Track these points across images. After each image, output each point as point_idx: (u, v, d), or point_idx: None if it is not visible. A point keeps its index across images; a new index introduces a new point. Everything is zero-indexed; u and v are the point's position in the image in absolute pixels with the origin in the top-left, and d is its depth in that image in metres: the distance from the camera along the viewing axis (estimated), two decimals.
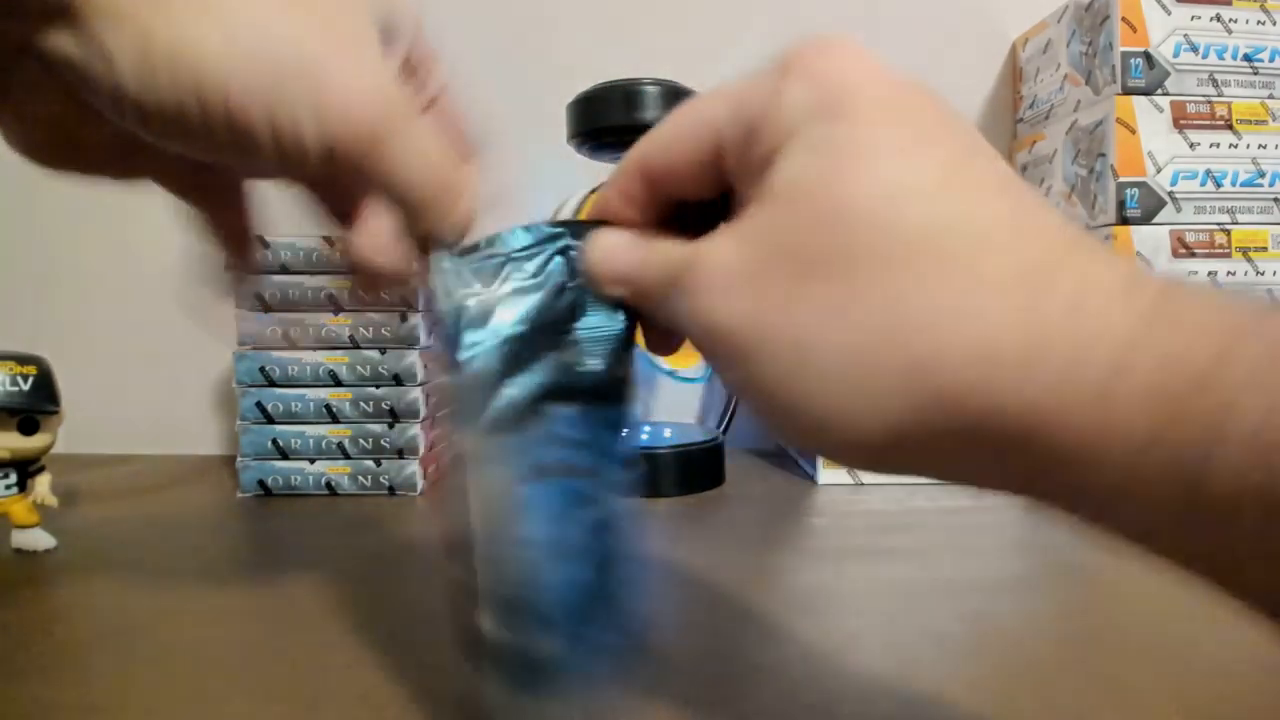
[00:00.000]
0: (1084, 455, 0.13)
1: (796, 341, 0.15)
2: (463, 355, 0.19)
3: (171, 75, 0.16)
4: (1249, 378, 0.11)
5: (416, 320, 0.51)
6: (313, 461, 0.50)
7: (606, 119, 0.52)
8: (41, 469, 0.40)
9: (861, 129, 0.15)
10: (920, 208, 0.14)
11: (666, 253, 0.18)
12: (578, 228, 0.21)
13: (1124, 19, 0.55)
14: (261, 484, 0.50)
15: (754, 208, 0.16)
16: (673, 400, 0.64)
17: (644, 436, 0.55)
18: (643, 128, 0.58)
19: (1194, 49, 0.56)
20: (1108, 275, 0.13)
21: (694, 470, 0.51)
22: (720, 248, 0.16)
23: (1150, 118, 0.55)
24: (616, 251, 0.20)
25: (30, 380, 0.37)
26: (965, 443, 0.14)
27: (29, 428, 0.38)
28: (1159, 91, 0.55)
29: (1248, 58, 0.56)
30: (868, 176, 0.14)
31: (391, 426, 0.50)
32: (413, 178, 0.19)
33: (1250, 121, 0.56)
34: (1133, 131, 0.55)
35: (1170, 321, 0.12)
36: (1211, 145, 0.56)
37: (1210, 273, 0.56)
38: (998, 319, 0.13)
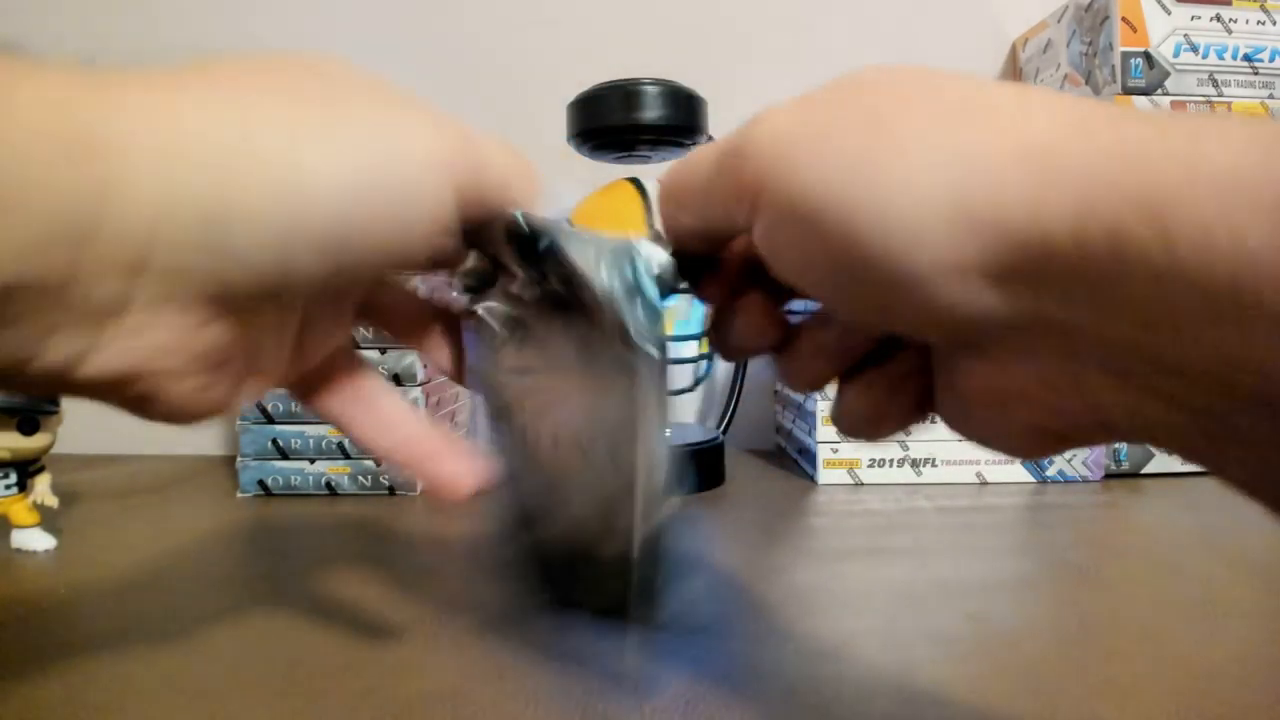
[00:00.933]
0: (1197, 182, 0.11)
1: (899, 148, 0.14)
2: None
3: (310, 226, 0.16)
4: None
5: None
6: (313, 461, 0.50)
7: (606, 119, 0.52)
8: (41, 469, 0.40)
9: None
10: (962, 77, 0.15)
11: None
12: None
13: (1124, 19, 0.55)
14: (261, 484, 0.50)
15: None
16: (672, 400, 0.64)
17: None
18: (643, 128, 0.58)
19: (1194, 49, 0.56)
20: None
21: (694, 470, 0.51)
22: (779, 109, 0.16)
23: None
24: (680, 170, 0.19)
25: None
26: (1067, 237, 0.12)
27: (29, 428, 0.38)
28: (1159, 91, 0.55)
29: (1248, 58, 0.56)
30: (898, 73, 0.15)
31: None
32: (509, 174, 0.21)
33: None
34: None
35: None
36: None
37: None
38: (1081, 105, 0.14)
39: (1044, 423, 0.16)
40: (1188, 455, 0.14)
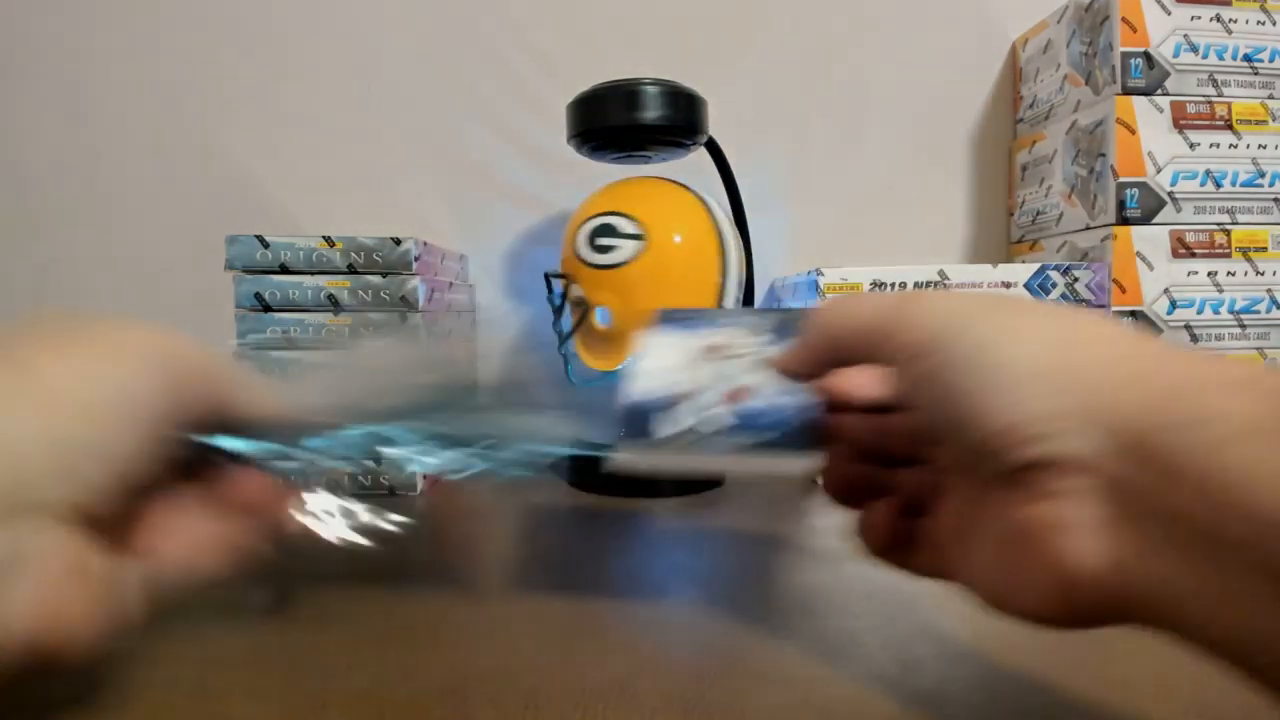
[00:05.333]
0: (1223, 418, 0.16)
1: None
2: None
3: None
4: None
5: (417, 319, 0.51)
6: None
7: (606, 119, 0.52)
8: None
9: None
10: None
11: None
12: None
13: (1124, 19, 0.55)
14: None
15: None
16: None
17: None
18: (643, 128, 0.57)
19: (1194, 49, 0.56)
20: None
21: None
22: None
23: (1150, 118, 0.55)
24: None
25: None
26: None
27: None
28: (1159, 91, 0.55)
29: (1248, 58, 0.56)
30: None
31: None
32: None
33: (1250, 121, 0.56)
34: (1133, 131, 0.55)
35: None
36: (1211, 145, 0.56)
37: (1210, 273, 0.56)
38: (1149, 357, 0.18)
39: (1063, 561, 0.18)
40: (1171, 613, 0.16)
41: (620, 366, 0.52)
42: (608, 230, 0.52)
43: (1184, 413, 0.16)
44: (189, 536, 0.25)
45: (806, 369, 0.26)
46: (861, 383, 0.26)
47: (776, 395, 0.27)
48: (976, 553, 0.21)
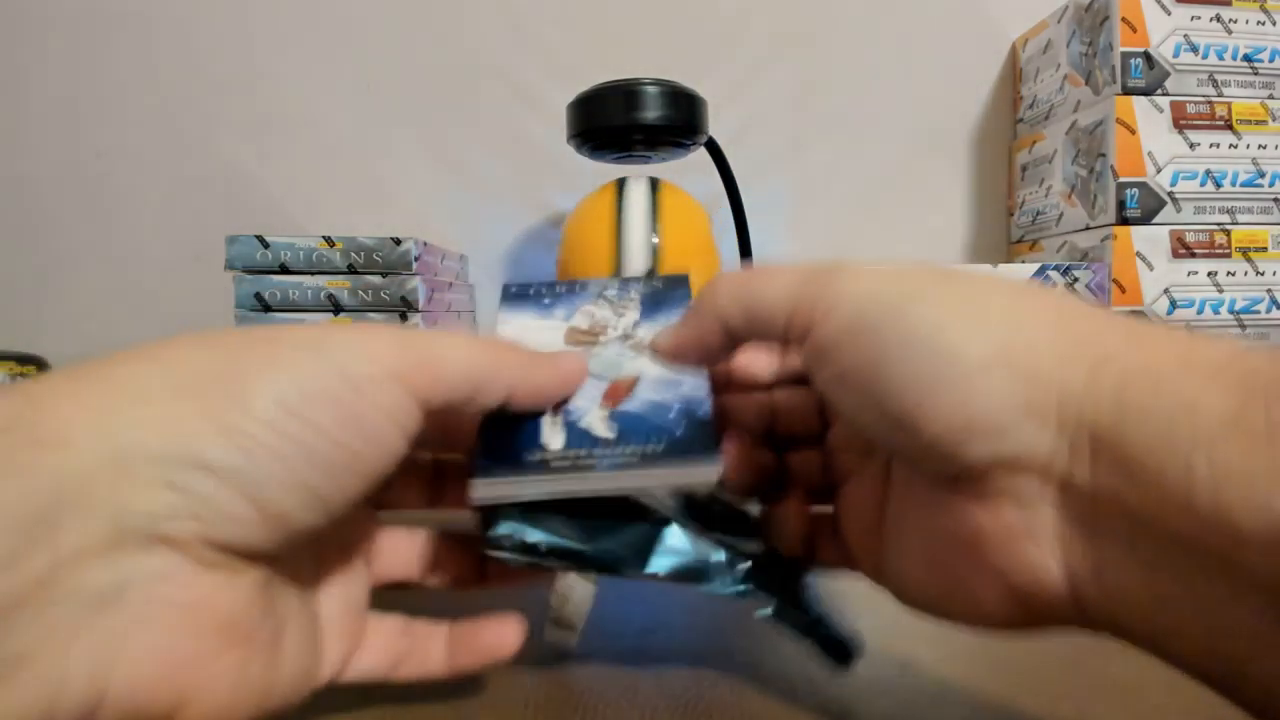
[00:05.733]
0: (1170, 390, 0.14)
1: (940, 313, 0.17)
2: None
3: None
4: None
5: (417, 320, 0.51)
6: None
7: (606, 119, 0.52)
8: None
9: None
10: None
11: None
12: None
13: (1124, 19, 0.55)
14: None
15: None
16: None
17: None
18: (643, 128, 0.57)
19: (1194, 49, 0.56)
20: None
21: None
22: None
23: (1150, 118, 0.55)
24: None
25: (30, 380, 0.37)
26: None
27: None
28: (1159, 91, 0.55)
29: (1248, 58, 0.56)
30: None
31: None
32: (470, 365, 0.20)
33: (1250, 121, 0.56)
34: (1133, 132, 0.55)
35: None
36: (1211, 145, 0.56)
37: (1210, 273, 0.56)
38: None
39: (1008, 569, 0.16)
40: (1133, 624, 0.16)
41: None
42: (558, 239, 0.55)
43: (1153, 403, 0.14)
44: (385, 637, 0.22)
45: (695, 354, 0.22)
46: (760, 364, 0.23)
47: (661, 391, 0.22)
48: (900, 550, 0.20)
